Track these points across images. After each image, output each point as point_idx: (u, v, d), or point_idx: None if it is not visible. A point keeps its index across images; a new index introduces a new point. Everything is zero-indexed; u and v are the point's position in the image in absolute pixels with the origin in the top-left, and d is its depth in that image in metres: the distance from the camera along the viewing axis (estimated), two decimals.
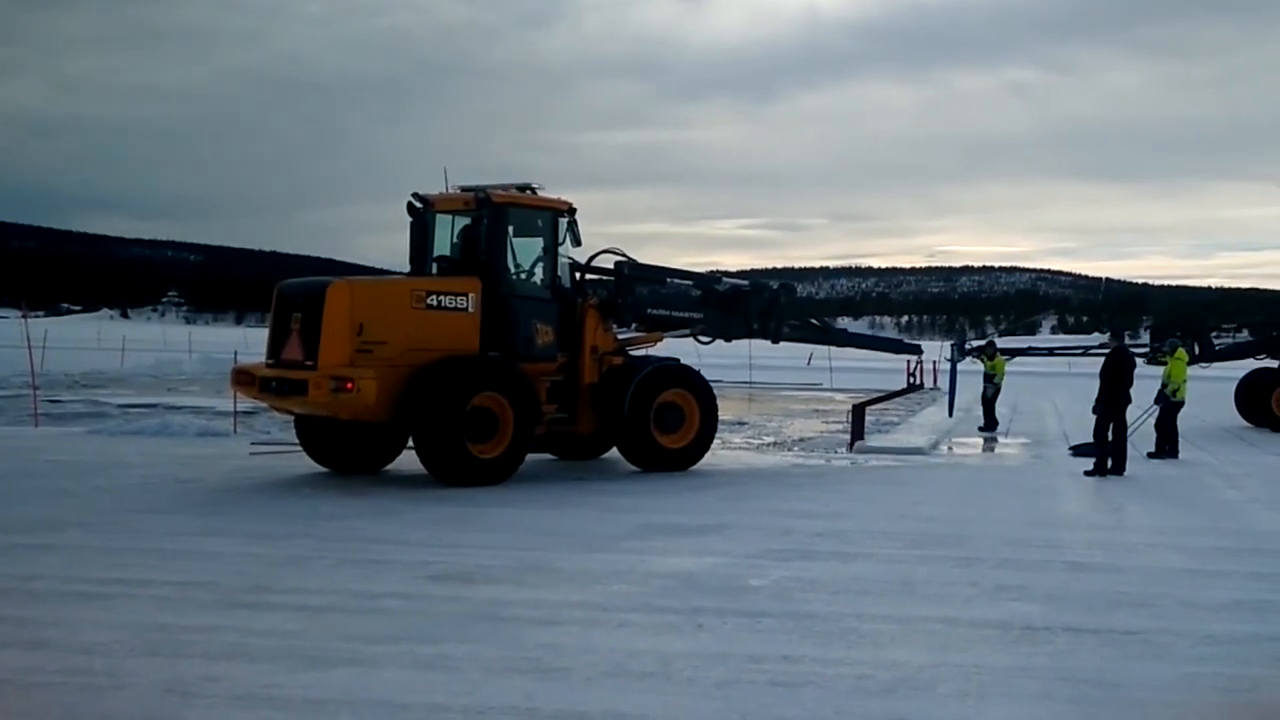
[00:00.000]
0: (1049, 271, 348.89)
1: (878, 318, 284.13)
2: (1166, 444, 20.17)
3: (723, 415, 27.34)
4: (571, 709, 6.15)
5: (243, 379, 15.53)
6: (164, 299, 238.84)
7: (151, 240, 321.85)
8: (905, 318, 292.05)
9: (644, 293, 17.97)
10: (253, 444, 19.13)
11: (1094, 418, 17.77)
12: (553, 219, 16.37)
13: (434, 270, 16.18)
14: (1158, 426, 20.43)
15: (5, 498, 12.92)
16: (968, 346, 30.29)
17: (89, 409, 26.07)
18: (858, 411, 23.02)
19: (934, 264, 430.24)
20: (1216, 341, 28.19)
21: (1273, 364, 27.67)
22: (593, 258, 17.68)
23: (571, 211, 16.57)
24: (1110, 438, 17.44)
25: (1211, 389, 20.89)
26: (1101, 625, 8.18)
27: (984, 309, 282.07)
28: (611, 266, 17.62)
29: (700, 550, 10.68)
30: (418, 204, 16.32)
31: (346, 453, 15.89)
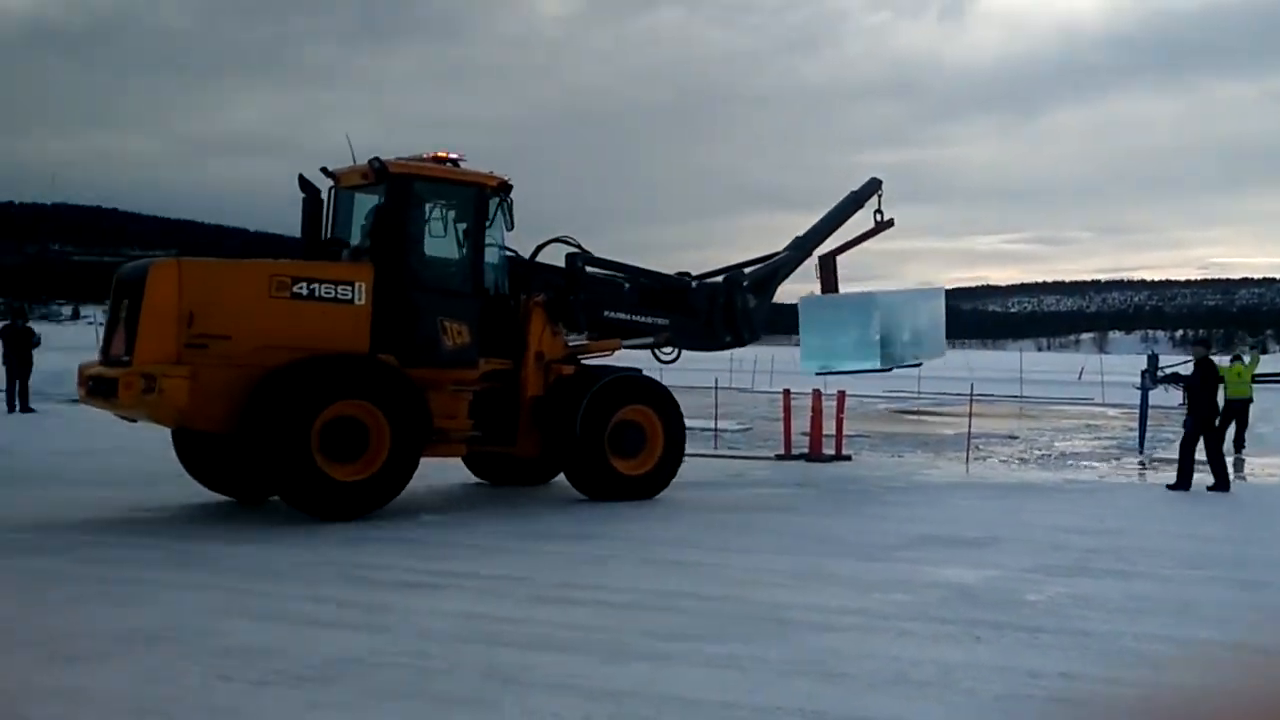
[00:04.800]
0: None
1: (1150, 331, 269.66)
2: None
3: (994, 429, 26.73)
4: (855, 714, 6.07)
5: (79, 379, 12.57)
6: None
7: None
8: (1180, 331, 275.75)
9: (602, 293, 14.80)
10: None
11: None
12: (476, 197, 12.98)
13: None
14: None
15: None
16: (1162, 373, 22.46)
17: None
18: (827, 262, 17.98)
19: (1208, 276, 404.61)
20: None
21: None
22: (540, 247, 14.51)
23: (502, 189, 13.17)
24: (1206, 453, 16.16)
25: None
26: None
27: (1266, 323, 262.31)
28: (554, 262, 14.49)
29: (976, 562, 10.36)
30: (326, 177, 13.20)
31: (229, 472, 12.74)
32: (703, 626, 7.77)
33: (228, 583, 8.73)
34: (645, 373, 14.48)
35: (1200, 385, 16.37)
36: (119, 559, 9.51)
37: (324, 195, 13.09)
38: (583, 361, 14.36)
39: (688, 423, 25.39)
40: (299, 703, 5.97)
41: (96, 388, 11.80)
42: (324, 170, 13.11)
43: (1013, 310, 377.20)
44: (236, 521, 11.31)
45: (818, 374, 18.32)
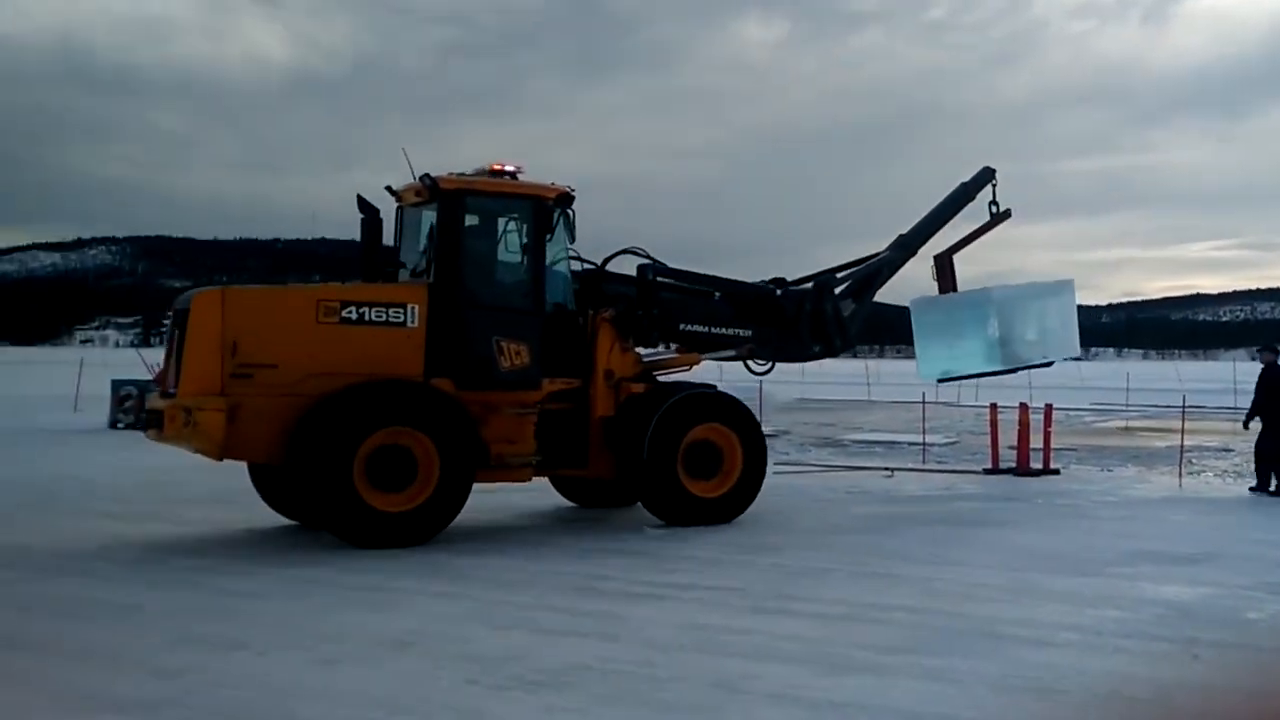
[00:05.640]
0: None
1: None
2: None
3: (1207, 441, 25.19)
4: None
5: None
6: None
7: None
8: None
9: (675, 304, 13.34)
10: (775, 464, 19.55)
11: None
12: (534, 210, 11.89)
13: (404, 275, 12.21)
14: None
15: (575, 511, 13.89)
16: None
17: None
18: (942, 263, 15.86)
19: None
20: None
21: None
22: (608, 259, 13.18)
23: (563, 200, 12.08)
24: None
25: None
26: None
27: None
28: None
29: (1192, 579, 9.82)
30: (391, 196, 12.35)
31: (300, 498, 11.73)
32: (918, 640, 7.61)
33: (471, 591, 9.02)
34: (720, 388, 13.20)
35: (1265, 390, 16.09)
36: (373, 568, 9.90)
37: (387, 215, 12.35)
38: (659, 378, 13.21)
39: (896, 437, 25.14)
40: (536, 706, 6.11)
41: (149, 420, 11.38)
42: (388, 189, 12.41)
43: (1224, 319, 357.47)
44: (475, 534, 11.63)
45: (940, 382, 16.68)
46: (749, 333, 13.69)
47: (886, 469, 18.84)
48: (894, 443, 24.59)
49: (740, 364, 14.07)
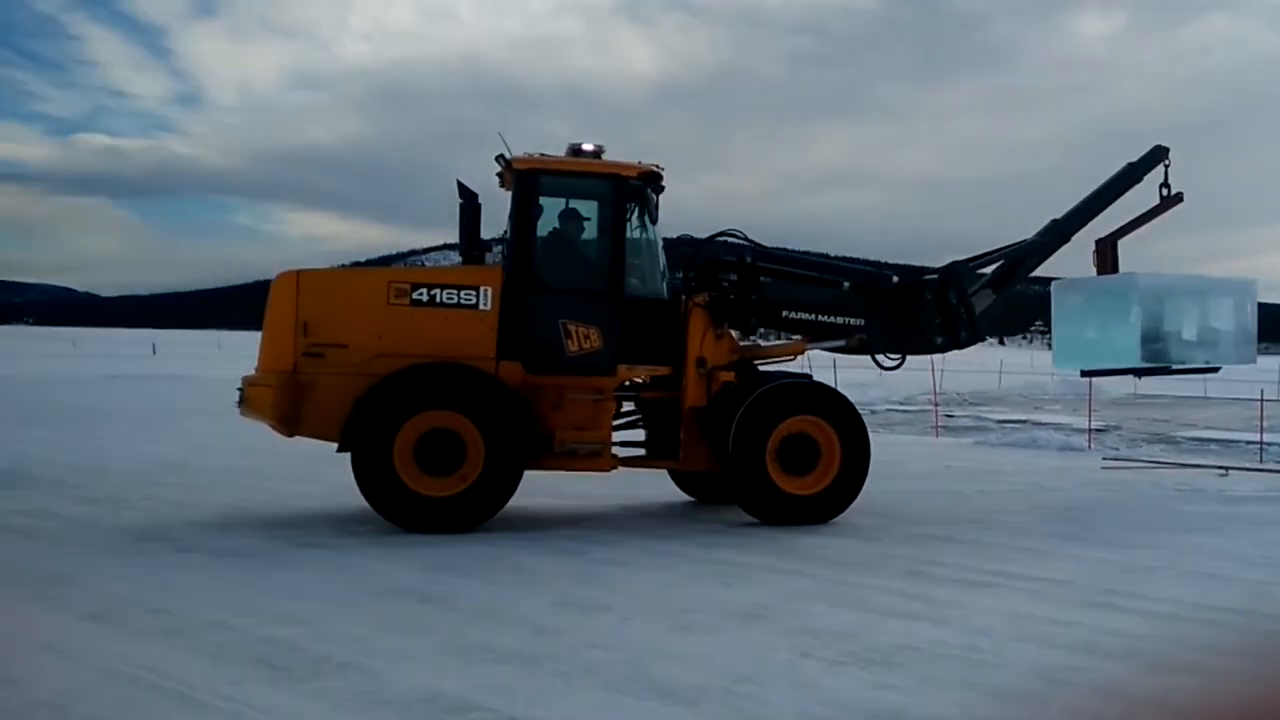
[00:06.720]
0: None
1: None
2: None
3: None
4: None
5: None
6: (1030, 328, 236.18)
7: None
8: None
9: (777, 290, 11.85)
10: (1104, 459, 18.54)
11: None
12: (613, 190, 10.88)
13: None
14: None
15: (909, 498, 13.59)
16: None
17: (975, 423, 26.71)
18: (1105, 248, 13.29)
19: None
20: None
21: None
22: (705, 242, 11.86)
23: (647, 179, 10.95)
24: None
25: None
26: None
27: None
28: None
29: None
30: (497, 176, 11.45)
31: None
32: (1247, 644, 7.08)
33: (813, 570, 9.11)
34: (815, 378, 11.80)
35: None
36: (725, 545, 10.20)
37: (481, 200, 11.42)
38: (761, 368, 11.95)
39: (1233, 435, 23.11)
40: (865, 683, 6.14)
41: (239, 398, 10.89)
42: (498, 174, 11.59)
43: None
44: None
45: (1083, 375, 14.16)
46: (860, 322, 12.03)
47: (1221, 467, 17.38)
48: (1230, 440, 22.62)
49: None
